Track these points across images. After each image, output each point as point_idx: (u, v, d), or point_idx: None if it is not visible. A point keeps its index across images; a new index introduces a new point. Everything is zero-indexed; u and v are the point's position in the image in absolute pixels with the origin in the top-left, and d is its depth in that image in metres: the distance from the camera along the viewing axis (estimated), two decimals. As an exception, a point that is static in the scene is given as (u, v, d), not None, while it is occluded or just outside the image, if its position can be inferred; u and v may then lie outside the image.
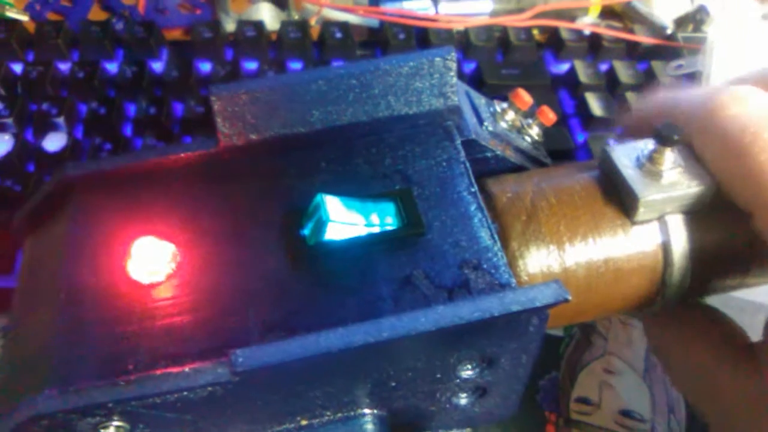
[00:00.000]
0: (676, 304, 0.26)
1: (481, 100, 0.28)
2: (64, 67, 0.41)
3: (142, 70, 0.40)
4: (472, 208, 0.23)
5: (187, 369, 0.19)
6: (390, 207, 0.23)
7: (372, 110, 0.25)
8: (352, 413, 0.23)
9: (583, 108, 0.41)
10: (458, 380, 0.23)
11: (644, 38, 0.45)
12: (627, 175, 0.24)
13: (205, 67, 0.42)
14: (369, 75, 0.24)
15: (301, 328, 0.21)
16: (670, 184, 0.23)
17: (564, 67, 0.44)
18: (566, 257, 0.24)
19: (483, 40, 0.44)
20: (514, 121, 0.28)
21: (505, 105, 0.28)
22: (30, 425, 0.19)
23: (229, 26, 0.44)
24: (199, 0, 0.48)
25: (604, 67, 0.44)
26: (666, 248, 0.24)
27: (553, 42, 0.45)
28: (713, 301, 0.27)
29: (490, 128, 0.26)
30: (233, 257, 0.22)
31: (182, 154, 0.24)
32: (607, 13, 0.49)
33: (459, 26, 0.44)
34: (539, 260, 0.24)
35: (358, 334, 0.19)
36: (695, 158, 0.24)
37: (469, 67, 0.44)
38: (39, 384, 0.20)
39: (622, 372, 0.35)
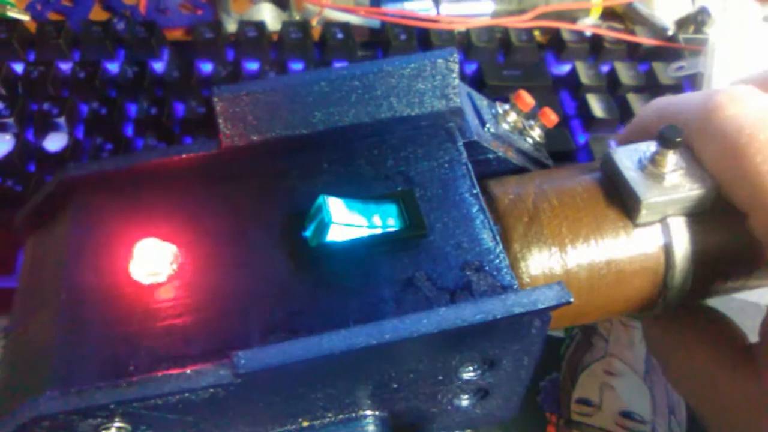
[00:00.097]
0: (677, 307, 0.26)
1: (483, 102, 0.28)
2: (65, 67, 0.41)
3: (143, 70, 0.40)
4: (474, 209, 0.23)
5: (188, 370, 0.19)
6: (392, 208, 0.23)
7: (374, 111, 0.24)
8: (354, 415, 0.23)
9: (584, 109, 0.41)
10: (460, 382, 0.23)
11: (645, 39, 0.45)
12: (629, 177, 0.24)
13: (207, 67, 0.42)
14: (371, 76, 0.24)
15: (302, 329, 0.21)
16: (672, 187, 0.23)
17: (565, 69, 0.44)
18: (568, 259, 0.24)
19: (484, 41, 0.44)
20: (516, 122, 0.28)
21: (506, 106, 0.28)
22: (31, 426, 0.19)
23: (231, 27, 0.44)
24: (200, 0, 0.48)
25: (605, 68, 0.44)
26: (668, 250, 0.24)
27: (555, 43, 0.45)
28: (714, 302, 0.27)
29: (492, 130, 0.26)
30: (235, 258, 0.22)
31: (184, 155, 0.24)
32: (608, 14, 0.49)
33: (460, 27, 0.44)
34: (541, 262, 0.24)
35: (360, 336, 0.19)
36: (696, 160, 0.24)
37: (471, 68, 0.44)
38: (40, 385, 0.20)
39: (623, 373, 0.35)
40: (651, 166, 0.23)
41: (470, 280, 0.22)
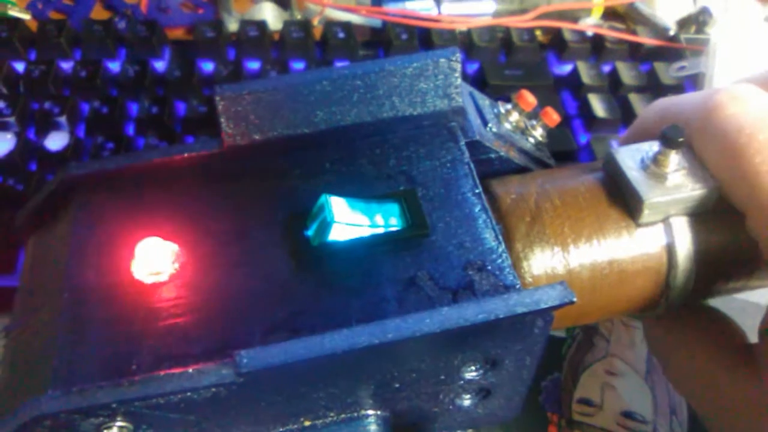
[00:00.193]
0: (679, 307, 0.26)
1: (485, 101, 0.28)
2: (66, 65, 0.41)
3: (144, 69, 0.40)
4: (477, 209, 0.23)
5: (190, 370, 0.19)
6: (394, 208, 0.23)
7: (376, 111, 0.24)
8: (356, 414, 0.23)
9: (585, 109, 0.41)
10: (462, 382, 0.23)
11: (647, 39, 0.45)
12: (632, 177, 0.24)
13: (208, 66, 0.42)
14: (373, 76, 0.24)
15: (304, 328, 0.21)
16: (675, 187, 0.23)
17: (567, 68, 0.44)
18: (570, 259, 0.24)
19: (486, 41, 0.44)
20: (518, 122, 0.28)
21: (509, 106, 0.28)
22: (33, 425, 0.19)
23: (232, 26, 0.44)
24: (201, -1, 0.48)
25: (606, 68, 0.44)
26: (670, 250, 0.24)
27: (556, 43, 0.45)
28: (715, 302, 0.27)
29: (494, 129, 0.26)
30: (237, 258, 0.22)
31: (186, 155, 0.24)
32: (609, 14, 0.49)
33: (462, 27, 0.44)
34: (543, 262, 0.24)
35: (362, 335, 0.19)
36: (698, 160, 0.24)
37: (472, 67, 0.44)
38: (41, 384, 0.20)
39: (624, 373, 0.35)
40: (653, 166, 0.23)
41: (472, 280, 0.22)
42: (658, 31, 0.47)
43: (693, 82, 0.43)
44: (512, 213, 0.24)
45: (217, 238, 0.23)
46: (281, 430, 0.23)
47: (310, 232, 0.22)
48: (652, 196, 0.23)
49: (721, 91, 0.23)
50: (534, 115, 0.29)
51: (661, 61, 0.44)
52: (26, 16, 0.45)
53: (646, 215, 0.23)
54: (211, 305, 0.21)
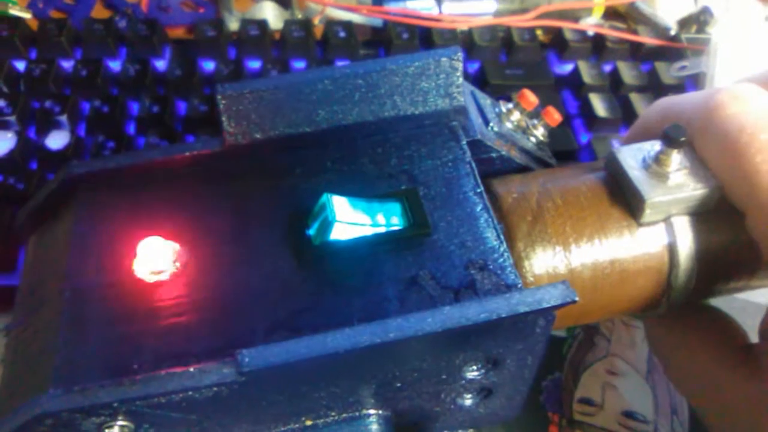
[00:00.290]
0: (680, 306, 0.26)
1: (486, 101, 0.28)
2: (67, 64, 0.41)
3: (145, 68, 0.40)
4: (478, 208, 0.23)
5: (192, 369, 0.19)
6: (396, 207, 0.23)
7: (378, 110, 0.24)
8: (357, 414, 0.23)
9: (586, 108, 0.41)
10: (463, 381, 0.23)
11: (648, 39, 0.45)
12: (633, 176, 0.24)
13: (209, 65, 0.42)
14: (375, 75, 0.24)
15: (306, 328, 0.21)
16: (677, 186, 0.23)
17: (568, 68, 0.44)
18: (572, 258, 0.24)
19: (487, 40, 0.44)
20: (520, 121, 0.28)
21: (510, 105, 0.28)
22: (34, 424, 0.19)
23: (233, 25, 0.44)
24: (202, -2, 0.48)
25: (607, 67, 0.44)
26: (672, 250, 0.24)
27: (557, 42, 0.45)
28: (716, 301, 0.27)
29: (496, 129, 0.26)
30: (238, 257, 0.22)
31: (187, 153, 0.24)
32: (610, 13, 0.49)
33: (463, 26, 0.44)
34: (545, 261, 0.24)
35: (364, 334, 0.19)
36: (700, 159, 0.24)
37: (473, 67, 0.44)
38: (43, 383, 0.20)
39: (625, 373, 0.35)
40: (655, 166, 0.23)
41: (474, 279, 0.22)
42: (659, 30, 0.47)
43: (694, 81, 0.43)
44: (514, 212, 0.24)
45: (219, 237, 0.23)
46: (282, 429, 0.23)
47: (311, 231, 0.22)
48: (654, 196, 0.23)
49: (722, 91, 0.23)
50: (535, 114, 0.29)
51: (662, 61, 0.44)
52: (27, 15, 0.44)
53: (648, 215, 0.23)
54: (213, 304, 0.21)
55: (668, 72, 0.43)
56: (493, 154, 0.26)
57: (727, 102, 0.23)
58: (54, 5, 0.46)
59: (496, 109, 0.28)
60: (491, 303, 0.20)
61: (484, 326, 0.20)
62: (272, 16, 0.45)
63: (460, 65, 0.24)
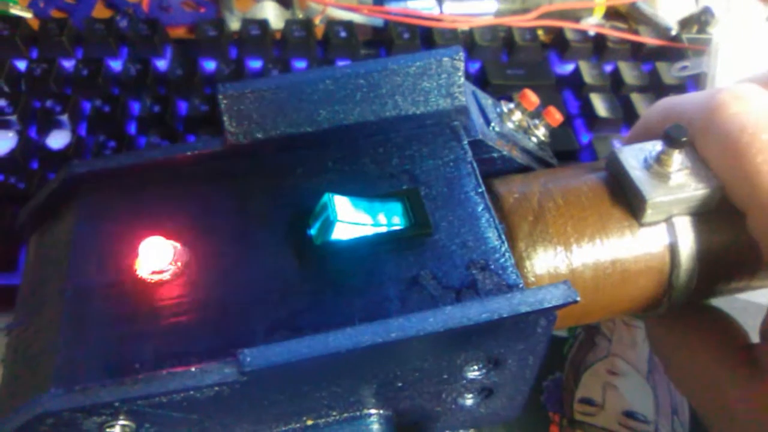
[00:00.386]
0: (681, 306, 0.26)
1: (487, 101, 0.28)
2: (68, 64, 0.41)
3: (146, 68, 0.40)
4: (480, 208, 0.23)
5: (193, 368, 0.19)
6: (397, 207, 0.23)
7: (379, 110, 0.24)
8: (358, 413, 0.23)
9: (587, 109, 0.41)
10: (464, 381, 0.23)
11: (649, 39, 0.45)
12: (635, 176, 0.24)
13: (210, 65, 0.42)
14: (377, 74, 0.24)
15: (307, 327, 0.21)
16: (678, 186, 0.23)
17: (569, 68, 0.44)
18: (573, 258, 0.24)
19: (488, 40, 0.44)
20: (521, 121, 0.28)
21: (511, 105, 0.28)
22: (36, 424, 0.19)
23: (234, 25, 0.44)
24: (203, -2, 0.48)
25: (608, 67, 0.44)
26: (673, 250, 0.24)
27: (558, 42, 0.45)
28: (717, 301, 0.27)
29: (497, 129, 0.26)
30: (240, 256, 0.22)
31: (189, 153, 0.24)
32: (611, 13, 0.49)
33: (464, 26, 0.44)
34: (546, 261, 0.24)
35: (366, 334, 0.19)
36: (701, 159, 0.24)
37: (474, 67, 0.44)
38: (44, 382, 0.20)
39: (626, 373, 0.35)
40: (656, 166, 0.23)
41: (476, 279, 0.22)
42: (660, 30, 0.47)
43: (695, 81, 0.43)
44: (515, 212, 0.24)
45: (220, 237, 0.23)
46: (284, 429, 0.23)
47: (312, 231, 0.22)
48: (655, 196, 0.23)
49: (723, 91, 0.23)
50: (536, 114, 0.29)
51: (663, 61, 0.44)
52: (28, 15, 0.44)
53: (649, 215, 0.23)
54: (214, 304, 0.21)
55: (669, 72, 0.43)
56: (495, 154, 0.26)
57: (728, 102, 0.23)
58: (55, 5, 0.46)
59: (498, 109, 0.28)
60: (493, 303, 0.20)
61: (486, 326, 0.20)
62: (273, 16, 0.45)
63: (461, 65, 0.24)
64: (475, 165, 0.24)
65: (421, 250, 0.22)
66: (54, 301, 0.22)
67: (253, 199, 0.24)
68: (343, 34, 0.43)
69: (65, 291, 0.22)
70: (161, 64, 0.42)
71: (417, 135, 0.25)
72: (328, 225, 0.21)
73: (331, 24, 0.43)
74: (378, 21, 0.46)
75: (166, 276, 0.22)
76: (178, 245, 0.22)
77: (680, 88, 0.42)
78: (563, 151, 0.39)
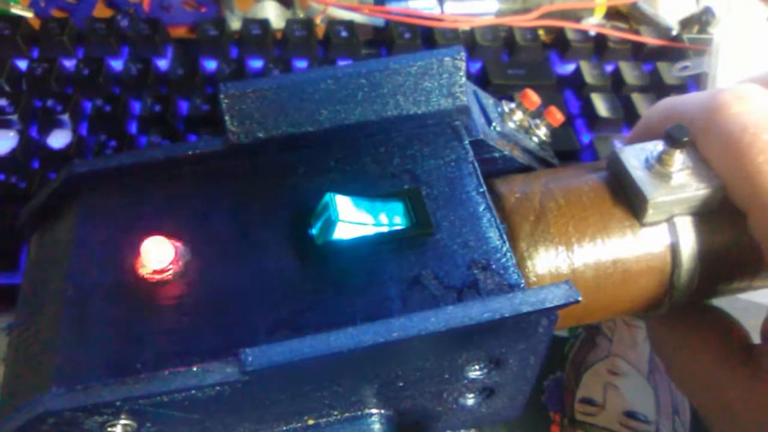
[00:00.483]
0: (682, 306, 0.26)
1: (489, 101, 0.28)
2: (69, 64, 0.41)
3: (147, 67, 0.40)
4: (481, 208, 0.23)
5: (195, 368, 0.19)
6: (399, 206, 0.23)
7: (380, 109, 0.24)
8: (359, 413, 0.23)
9: (588, 109, 0.41)
10: (466, 381, 0.23)
11: (650, 39, 0.45)
12: (636, 176, 0.24)
13: (211, 65, 0.42)
14: (378, 74, 0.24)
15: (308, 327, 0.21)
16: (679, 186, 0.23)
17: (569, 68, 0.44)
18: (575, 258, 0.24)
19: (489, 40, 0.44)
20: (522, 121, 0.28)
21: (513, 105, 0.28)
22: (37, 423, 0.19)
23: (235, 24, 0.44)
24: (203, -2, 0.48)
25: (609, 67, 0.44)
26: (674, 250, 0.24)
27: (559, 42, 0.45)
28: (718, 302, 0.27)
29: (498, 128, 0.26)
30: (241, 256, 0.22)
31: (190, 153, 0.24)
32: (612, 13, 0.49)
33: (464, 26, 0.44)
34: (548, 261, 0.24)
35: (367, 334, 0.19)
36: (703, 159, 0.24)
37: (475, 66, 0.44)
38: (46, 382, 0.20)
39: (627, 373, 0.35)
40: (658, 166, 0.23)
41: (477, 279, 0.21)
42: (661, 30, 0.47)
43: (696, 81, 0.43)
44: (516, 212, 0.24)
45: (221, 237, 0.23)
46: (285, 428, 0.23)
47: (314, 231, 0.22)
48: (657, 196, 0.23)
49: (725, 91, 0.23)
50: (538, 114, 0.29)
51: (664, 61, 0.44)
52: (29, 14, 0.45)
53: (651, 215, 0.23)
54: (215, 303, 0.21)
55: (670, 72, 0.43)
56: (496, 154, 0.26)
57: (729, 102, 0.23)
58: (56, 4, 0.46)
59: (499, 109, 0.28)
60: (494, 303, 0.20)
61: (487, 326, 0.20)
62: (274, 16, 0.45)
63: (462, 65, 0.24)
64: (476, 165, 0.24)
65: (422, 249, 0.22)
66: (55, 300, 0.22)
67: (254, 199, 0.24)
68: (344, 33, 0.43)
69: (66, 290, 0.22)
70: (162, 63, 0.42)
71: (418, 135, 0.25)
72: (329, 224, 0.21)
73: (332, 24, 0.43)
74: (379, 21, 0.46)
75: (167, 275, 0.22)
76: (179, 245, 0.22)
77: (681, 88, 0.42)
78: (564, 151, 0.39)
